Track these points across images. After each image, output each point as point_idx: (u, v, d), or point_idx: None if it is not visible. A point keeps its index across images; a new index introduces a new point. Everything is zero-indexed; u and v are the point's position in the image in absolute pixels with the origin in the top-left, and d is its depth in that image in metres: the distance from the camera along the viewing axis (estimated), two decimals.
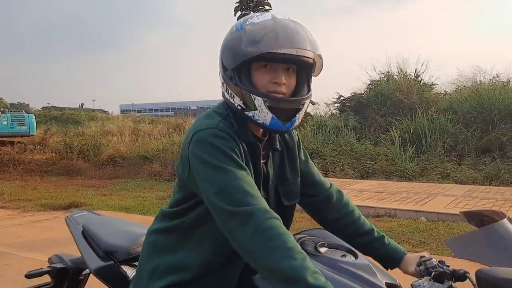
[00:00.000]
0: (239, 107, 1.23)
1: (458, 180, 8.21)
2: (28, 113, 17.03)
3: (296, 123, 1.25)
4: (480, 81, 12.57)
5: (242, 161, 1.20)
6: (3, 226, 5.97)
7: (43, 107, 47.07)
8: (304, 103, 1.25)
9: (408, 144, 10.04)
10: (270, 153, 1.35)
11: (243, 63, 1.19)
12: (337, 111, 14.15)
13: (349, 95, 14.00)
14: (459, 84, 13.22)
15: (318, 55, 1.24)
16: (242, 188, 1.12)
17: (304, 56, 1.20)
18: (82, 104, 68.98)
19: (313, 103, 11.49)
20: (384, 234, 1.45)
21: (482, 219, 1.30)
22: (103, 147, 13.39)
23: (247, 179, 1.15)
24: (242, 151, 1.22)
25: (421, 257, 1.33)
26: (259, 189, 1.25)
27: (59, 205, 7.30)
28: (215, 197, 1.12)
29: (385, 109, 12.21)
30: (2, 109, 17.91)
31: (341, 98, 14.14)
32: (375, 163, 9.57)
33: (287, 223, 1.40)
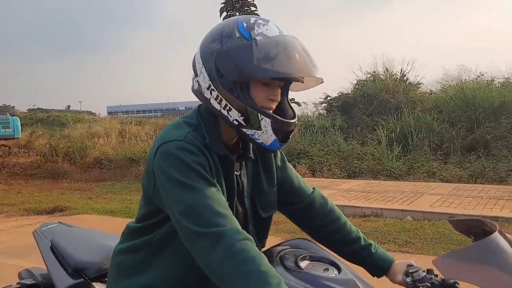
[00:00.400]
0: (235, 122, 1.14)
1: (444, 179, 8.27)
2: (13, 115, 16.75)
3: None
4: (465, 80, 12.70)
5: (213, 176, 1.12)
6: None
7: (29, 109, 46.46)
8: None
9: (395, 143, 10.09)
10: (244, 163, 1.29)
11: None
12: (324, 111, 14.21)
13: (336, 95, 14.06)
14: (445, 83, 13.34)
15: (321, 82, 1.22)
16: (211, 207, 1.04)
17: (303, 78, 1.17)
18: (69, 106, 68.32)
19: (298, 104, 11.53)
20: (372, 242, 1.41)
21: (471, 229, 1.23)
22: (89, 149, 13.22)
23: (217, 196, 1.08)
24: (213, 164, 1.14)
25: (408, 265, 1.30)
26: (232, 203, 1.20)
27: (43, 209, 7.18)
28: (181, 217, 1.04)
29: (371, 109, 12.27)
30: None
31: (328, 98, 14.19)
32: (362, 162, 9.60)
33: (265, 235, 1.36)
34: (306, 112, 14.08)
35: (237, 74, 1.11)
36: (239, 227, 1.05)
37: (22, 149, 13.75)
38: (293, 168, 1.45)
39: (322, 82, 1.23)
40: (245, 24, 1.14)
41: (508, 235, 1.15)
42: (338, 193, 7.24)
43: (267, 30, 1.13)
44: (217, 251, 0.99)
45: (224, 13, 10.66)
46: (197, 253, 1.04)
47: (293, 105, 1.27)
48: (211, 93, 1.16)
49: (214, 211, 1.04)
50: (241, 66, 1.10)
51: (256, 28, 1.13)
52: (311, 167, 9.78)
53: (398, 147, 9.92)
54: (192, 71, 1.23)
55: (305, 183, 1.46)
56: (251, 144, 1.28)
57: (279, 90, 1.19)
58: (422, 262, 1.31)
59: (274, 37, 1.12)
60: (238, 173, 1.26)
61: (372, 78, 13.71)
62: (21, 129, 16.01)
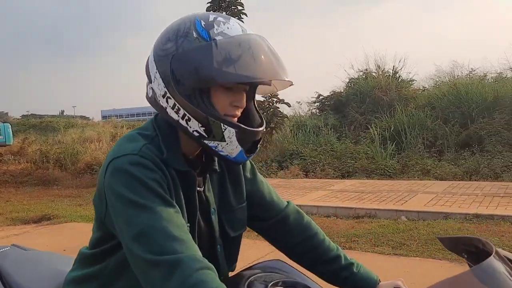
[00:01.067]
0: (196, 133, 1.02)
1: (438, 176, 8.18)
2: (4, 122, 16.57)
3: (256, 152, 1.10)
4: (457, 75, 12.66)
5: (171, 194, 1.00)
6: None
7: (22, 116, 46.21)
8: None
9: (388, 141, 10.00)
10: (208, 175, 1.16)
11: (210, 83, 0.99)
12: (317, 110, 14.09)
13: (329, 94, 13.95)
14: (437, 79, 13.29)
15: (290, 84, 1.10)
16: (167, 231, 0.91)
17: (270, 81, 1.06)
18: (63, 111, 67.90)
19: (288, 105, 11.38)
20: (354, 261, 1.27)
21: (463, 247, 1.10)
22: (81, 155, 13.06)
23: (175, 219, 0.95)
24: (171, 182, 1.02)
25: (395, 287, 1.18)
26: (194, 223, 1.07)
27: (30, 218, 6.99)
28: (132, 242, 0.91)
29: (364, 107, 12.19)
30: None
31: (321, 97, 14.08)
32: (356, 162, 9.50)
33: (235, 256, 1.23)
34: (299, 112, 14.00)
35: (195, 80, 0.98)
36: (199, 254, 0.92)
37: (13, 156, 13.58)
38: (264, 180, 1.32)
39: (292, 84, 1.10)
40: (203, 23, 1.01)
41: (505, 254, 1.00)
42: (331, 194, 7.13)
43: (228, 28, 1.00)
44: (171, 283, 0.86)
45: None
46: (148, 285, 0.90)
47: (283, 106, 1.15)
48: (167, 102, 1.03)
49: (170, 236, 0.91)
50: (200, 70, 0.97)
51: (215, 26, 1.00)
52: (304, 167, 9.68)
53: (392, 145, 9.83)
54: (146, 77, 1.09)
55: (279, 196, 1.32)
56: None
57: (244, 95, 1.06)
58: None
59: (236, 36, 0.99)
60: (202, 189, 1.13)
61: (364, 76, 13.64)
62: (14, 135, 15.86)
